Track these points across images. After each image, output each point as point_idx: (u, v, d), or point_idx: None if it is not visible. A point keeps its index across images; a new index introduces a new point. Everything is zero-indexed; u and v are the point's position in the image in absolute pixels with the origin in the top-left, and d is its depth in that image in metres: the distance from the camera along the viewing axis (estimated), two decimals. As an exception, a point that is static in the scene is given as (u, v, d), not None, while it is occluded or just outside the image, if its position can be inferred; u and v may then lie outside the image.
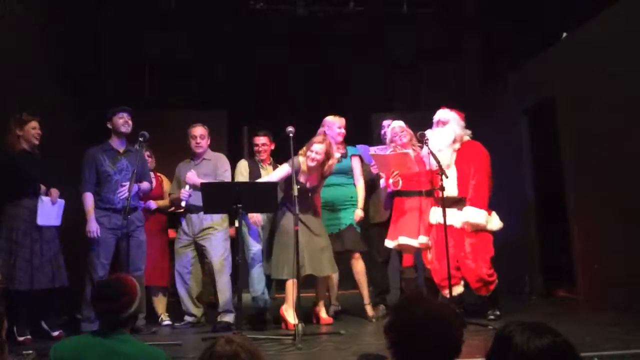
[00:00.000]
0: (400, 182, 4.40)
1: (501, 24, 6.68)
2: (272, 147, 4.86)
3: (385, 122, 5.01)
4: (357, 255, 4.62)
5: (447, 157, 4.26)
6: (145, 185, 4.52)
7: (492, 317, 4.10)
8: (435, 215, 4.28)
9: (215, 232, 4.51)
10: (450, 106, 4.51)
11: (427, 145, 4.22)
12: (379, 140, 5.10)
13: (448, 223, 4.05)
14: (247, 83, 7.50)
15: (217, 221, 4.53)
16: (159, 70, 7.36)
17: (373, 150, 4.75)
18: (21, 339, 3.86)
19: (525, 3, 5.98)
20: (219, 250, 4.48)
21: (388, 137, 4.67)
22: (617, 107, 4.39)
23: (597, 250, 4.64)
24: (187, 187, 4.47)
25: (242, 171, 4.75)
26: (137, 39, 6.89)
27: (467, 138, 4.41)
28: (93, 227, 4.19)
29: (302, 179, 4.26)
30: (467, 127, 4.50)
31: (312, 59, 7.35)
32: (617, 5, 4.43)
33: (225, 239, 4.56)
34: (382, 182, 4.65)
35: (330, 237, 4.46)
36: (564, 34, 5.21)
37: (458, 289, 4.21)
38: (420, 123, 4.83)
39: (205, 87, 7.60)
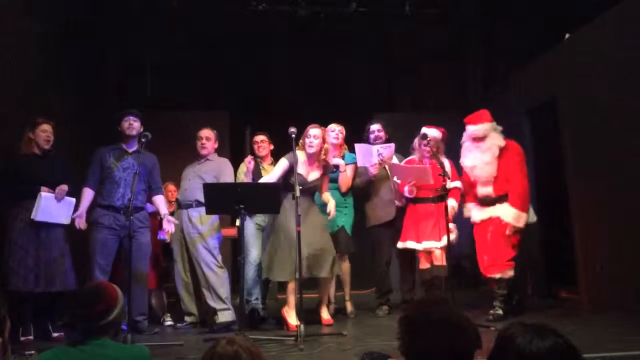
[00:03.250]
0: (415, 190, 4.56)
1: (502, 24, 6.68)
2: (272, 147, 4.95)
3: (374, 126, 4.99)
4: (345, 256, 4.74)
5: (494, 170, 4.34)
6: (158, 200, 4.51)
7: (491, 316, 4.14)
8: (477, 214, 4.45)
9: (204, 232, 4.49)
10: (467, 112, 4.65)
11: (430, 147, 4.25)
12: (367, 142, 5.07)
13: (486, 217, 4.36)
14: (249, 83, 7.50)
15: (205, 221, 4.49)
16: (160, 70, 7.37)
17: (376, 148, 4.75)
18: (23, 339, 3.87)
19: (526, 4, 5.98)
20: (208, 250, 4.47)
21: (415, 143, 4.74)
22: (619, 107, 4.38)
23: (600, 251, 4.64)
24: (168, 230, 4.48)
25: (244, 170, 4.81)
26: (139, 39, 6.90)
27: (502, 141, 4.42)
28: (78, 216, 4.16)
29: (302, 170, 4.26)
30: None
31: (313, 59, 7.35)
32: (618, 6, 4.42)
33: (214, 239, 4.53)
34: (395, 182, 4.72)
35: None
36: (567, 35, 5.21)
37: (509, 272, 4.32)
38: (422, 124, 4.83)
39: (207, 87, 7.60)
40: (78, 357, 1.91)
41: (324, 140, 4.31)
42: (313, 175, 4.33)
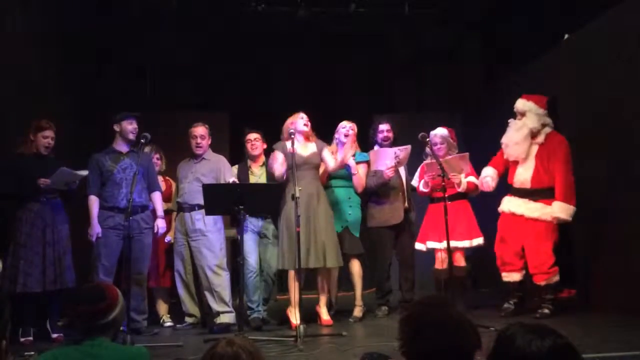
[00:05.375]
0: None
1: (502, 24, 6.68)
2: (265, 146, 4.85)
3: (383, 126, 4.98)
4: (353, 257, 4.67)
5: (523, 151, 4.36)
6: (156, 197, 4.51)
7: (538, 314, 4.20)
8: (506, 204, 4.45)
9: (208, 234, 4.48)
10: (526, 96, 4.52)
11: (428, 147, 4.27)
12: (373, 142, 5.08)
13: (519, 212, 4.34)
14: (249, 83, 7.50)
15: (209, 223, 4.50)
16: (160, 71, 7.37)
17: (393, 150, 4.71)
18: (22, 339, 3.88)
19: (525, 4, 5.98)
20: (214, 252, 4.46)
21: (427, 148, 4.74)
22: (618, 107, 4.38)
23: (598, 251, 4.63)
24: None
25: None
26: (138, 39, 6.90)
27: (548, 129, 4.41)
28: (94, 231, 4.21)
29: (297, 150, 4.30)
30: (469, 127, 4.54)
31: (313, 59, 7.35)
32: (618, 7, 4.42)
33: (218, 240, 4.53)
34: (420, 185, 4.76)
35: None
36: (566, 35, 5.21)
37: (513, 277, 4.42)
38: (422, 124, 4.82)
39: (207, 88, 7.60)
40: (77, 358, 1.91)
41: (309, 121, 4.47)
42: (309, 150, 4.38)
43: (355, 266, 4.66)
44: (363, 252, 4.72)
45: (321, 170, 4.62)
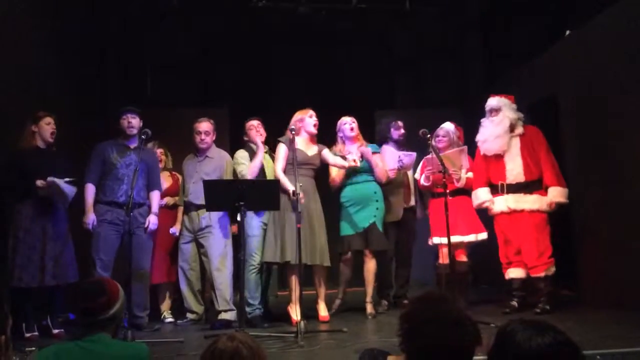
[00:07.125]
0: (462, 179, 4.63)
1: (503, 21, 6.67)
2: (265, 135, 4.76)
3: (401, 123, 5.02)
4: (371, 254, 4.63)
5: (505, 143, 4.45)
6: (154, 196, 4.47)
7: (538, 309, 4.23)
8: (502, 203, 4.45)
9: (214, 231, 4.49)
10: (498, 95, 4.64)
11: (430, 143, 4.28)
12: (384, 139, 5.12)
13: (519, 208, 4.38)
14: (249, 81, 7.49)
15: (215, 220, 4.50)
16: (160, 68, 7.36)
17: (398, 154, 4.77)
18: (28, 335, 3.89)
19: (526, 1, 5.96)
20: (218, 249, 4.46)
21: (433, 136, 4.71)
22: (619, 105, 4.38)
23: (599, 249, 4.64)
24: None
25: (242, 160, 4.61)
26: (139, 37, 6.89)
27: (521, 122, 4.54)
28: (89, 219, 4.19)
29: (302, 147, 4.38)
30: (470, 124, 4.55)
31: (314, 56, 7.34)
32: (619, 4, 4.41)
33: (224, 237, 4.54)
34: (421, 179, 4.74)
35: (356, 235, 4.53)
36: (567, 32, 5.20)
37: (518, 272, 4.45)
38: (423, 121, 4.81)
39: (207, 85, 7.60)
40: (77, 354, 1.91)
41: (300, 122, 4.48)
42: (312, 150, 4.43)
43: (373, 263, 4.61)
44: (388, 247, 4.74)
45: (334, 172, 4.67)
